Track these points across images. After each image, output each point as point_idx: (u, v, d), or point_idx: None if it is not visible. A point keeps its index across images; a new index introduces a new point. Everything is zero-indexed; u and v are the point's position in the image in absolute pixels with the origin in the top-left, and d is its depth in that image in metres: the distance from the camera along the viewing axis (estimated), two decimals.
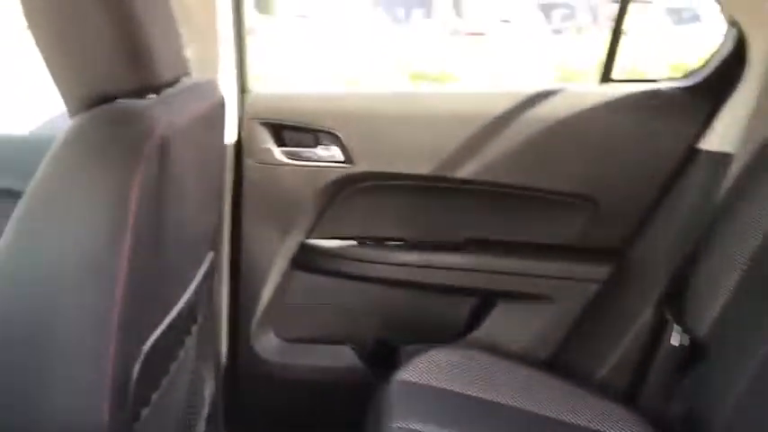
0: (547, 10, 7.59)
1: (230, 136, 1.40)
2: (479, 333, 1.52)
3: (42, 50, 0.82)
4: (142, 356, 0.87)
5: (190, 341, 1.10)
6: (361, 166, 1.45)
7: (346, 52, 5.39)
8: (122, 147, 0.77)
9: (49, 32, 0.81)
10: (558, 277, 1.49)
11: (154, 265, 0.86)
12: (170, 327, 0.95)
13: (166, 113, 0.84)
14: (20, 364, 0.77)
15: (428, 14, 7.13)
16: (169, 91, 0.91)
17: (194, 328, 1.12)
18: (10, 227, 0.77)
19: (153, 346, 0.89)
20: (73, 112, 0.84)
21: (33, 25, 0.81)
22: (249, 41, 1.48)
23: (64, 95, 0.84)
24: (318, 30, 5.82)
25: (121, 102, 0.82)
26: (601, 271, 1.48)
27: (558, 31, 7.41)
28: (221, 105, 1.12)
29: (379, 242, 1.53)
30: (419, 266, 1.50)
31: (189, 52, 1.08)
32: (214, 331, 1.45)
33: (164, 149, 0.81)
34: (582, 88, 1.51)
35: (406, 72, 4.95)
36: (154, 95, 0.88)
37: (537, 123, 1.41)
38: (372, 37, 6.10)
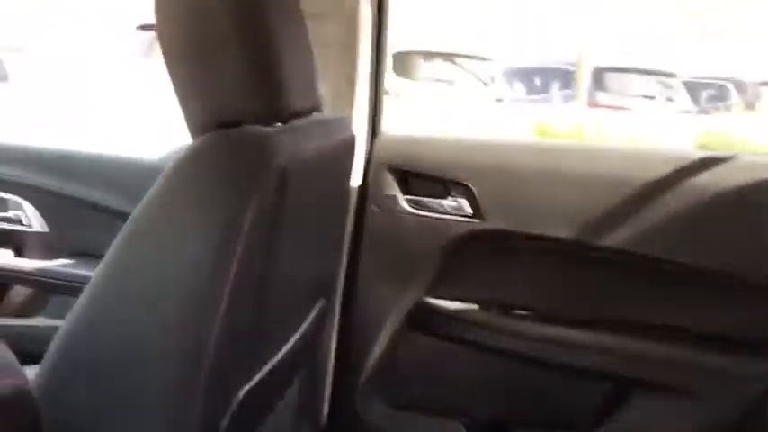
0: (694, 89, 7.29)
1: (356, 179, 1.35)
2: (610, 426, 1.36)
3: (172, 69, 0.81)
4: (236, 402, 0.81)
5: (290, 393, 1.04)
6: (492, 223, 1.35)
7: (481, 117, 5.47)
8: (239, 172, 0.74)
9: (182, 51, 0.80)
10: (712, 371, 1.31)
11: (258, 302, 0.81)
12: (270, 373, 0.89)
13: (290, 144, 0.82)
14: (103, 393, 0.73)
15: (566, 86, 7.09)
16: (297, 122, 0.89)
17: (296, 380, 1.05)
18: (112, 248, 0.75)
19: (249, 392, 0.83)
20: (195, 133, 0.82)
21: (166, 43, 0.81)
22: (386, 100, 1.45)
23: (187, 116, 0.84)
24: (455, 95, 5.98)
25: (246, 127, 0.79)
26: (765, 369, 1.28)
27: (705, 112, 7.10)
28: (350, 145, 1.08)
29: (505, 309, 1.42)
30: (548, 342, 1.37)
31: (324, 89, 1.06)
32: (317, 386, 1.38)
33: (283, 180, 0.77)
34: (759, 158, 1.36)
35: (539, 135, 4.93)
36: (280, 124, 0.84)
37: (701, 192, 1.27)
38: (508, 104, 6.19)
